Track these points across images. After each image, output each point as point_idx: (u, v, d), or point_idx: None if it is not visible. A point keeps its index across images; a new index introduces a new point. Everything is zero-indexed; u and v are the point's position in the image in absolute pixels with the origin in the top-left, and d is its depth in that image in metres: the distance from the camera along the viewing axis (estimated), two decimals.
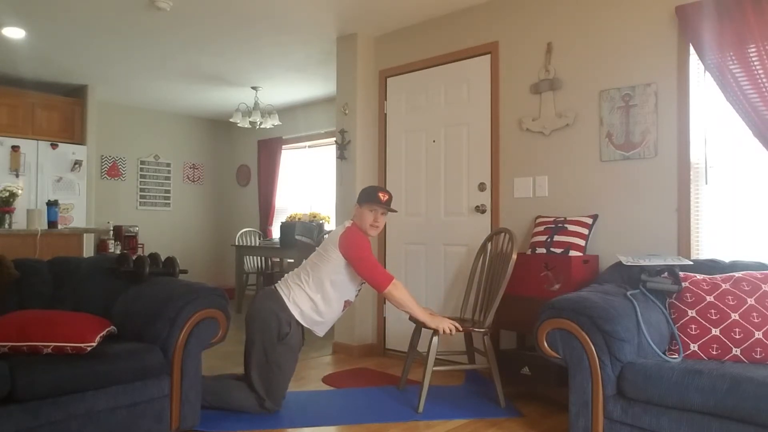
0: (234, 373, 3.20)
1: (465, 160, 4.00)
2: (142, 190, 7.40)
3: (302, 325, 2.99)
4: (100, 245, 6.47)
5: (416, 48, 4.31)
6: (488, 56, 3.88)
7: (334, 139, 4.71)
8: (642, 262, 2.65)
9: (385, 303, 4.40)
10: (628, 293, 2.55)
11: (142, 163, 7.41)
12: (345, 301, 3.07)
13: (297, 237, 5.66)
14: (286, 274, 3.12)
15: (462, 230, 4.00)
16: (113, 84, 6.19)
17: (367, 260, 2.96)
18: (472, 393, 3.36)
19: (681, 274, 2.57)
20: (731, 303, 2.39)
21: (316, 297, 2.96)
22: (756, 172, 2.91)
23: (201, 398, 2.80)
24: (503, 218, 3.76)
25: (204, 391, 2.81)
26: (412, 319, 3.14)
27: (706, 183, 3.02)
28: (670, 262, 2.63)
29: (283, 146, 7.33)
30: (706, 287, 2.49)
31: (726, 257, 2.81)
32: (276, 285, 3.05)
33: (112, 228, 6.71)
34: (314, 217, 6.53)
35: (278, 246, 5.94)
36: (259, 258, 6.75)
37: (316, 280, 2.98)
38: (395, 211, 3.29)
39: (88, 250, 5.83)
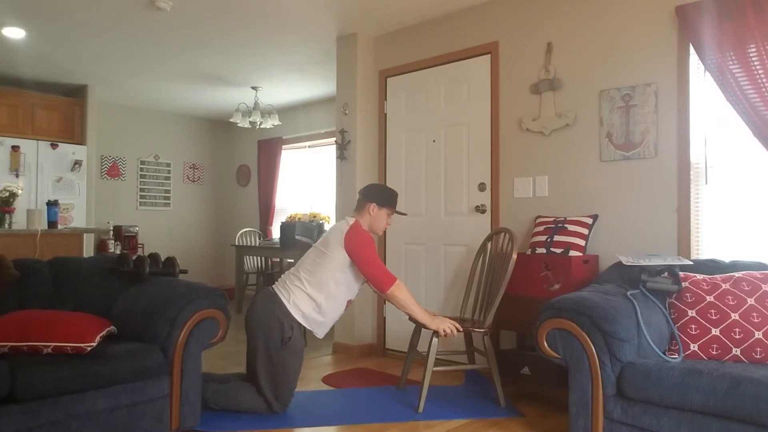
0: (238, 373, 3.17)
1: (465, 160, 4.00)
2: (142, 190, 7.40)
3: (304, 327, 2.97)
4: (100, 245, 6.47)
5: (416, 48, 4.31)
6: (488, 56, 3.88)
7: (334, 139, 4.71)
8: (642, 262, 2.65)
9: (385, 303, 4.40)
10: (628, 293, 2.55)
11: (142, 163, 7.41)
12: (347, 301, 3.06)
13: (297, 237, 5.65)
14: (282, 275, 3.07)
15: (462, 230, 4.00)
16: (113, 84, 6.19)
17: (372, 259, 2.93)
18: (472, 393, 3.36)
19: (681, 274, 2.57)
20: (731, 303, 2.39)
21: (318, 297, 2.92)
22: (756, 172, 2.91)
23: (208, 401, 2.81)
24: (503, 218, 3.76)
25: (213, 394, 2.82)
26: (412, 319, 3.13)
27: (706, 183, 3.02)
28: (670, 262, 2.63)
29: (283, 146, 7.33)
30: (706, 287, 2.49)
31: (726, 257, 2.81)
32: (274, 287, 2.99)
33: (112, 228, 6.71)
34: (314, 217, 6.53)
35: (278, 246, 5.94)
36: (259, 258, 6.75)
37: (318, 280, 2.92)
38: (405, 214, 3.44)
39: (88, 250, 5.84)
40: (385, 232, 4.44)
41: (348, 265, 2.95)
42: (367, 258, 2.92)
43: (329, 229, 3.14)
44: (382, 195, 3.11)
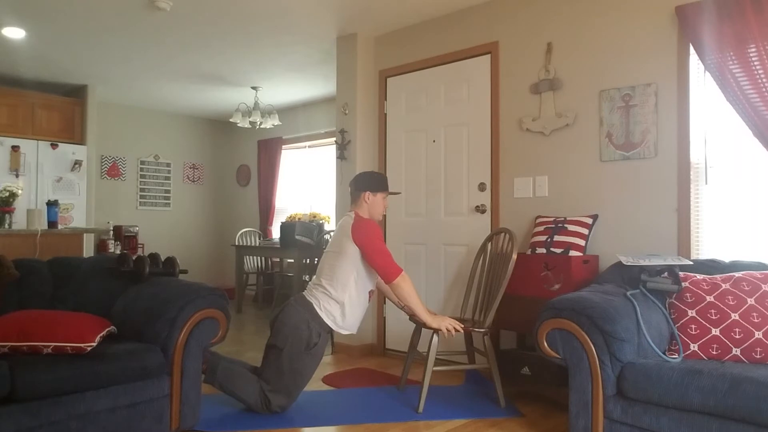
0: (249, 364, 3.14)
1: (465, 160, 4.00)
2: (142, 190, 7.40)
3: (330, 333, 2.96)
4: (100, 245, 6.47)
5: (416, 48, 4.31)
6: (488, 56, 3.88)
7: (334, 139, 4.71)
8: (642, 262, 2.65)
9: (385, 303, 4.40)
10: (628, 293, 2.55)
11: (142, 163, 7.41)
12: (369, 292, 3.07)
13: (297, 237, 5.66)
14: (309, 284, 3.09)
15: (462, 230, 4.00)
16: (113, 84, 6.19)
17: (380, 248, 2.96)
18: (472, 393, 3.36)
19: (681, 274, 2.57)
20: (731, 303, 2.39)
21: (344, 298, 2.95)
22: (756, 172, 2.91)
23: (217, 377, 2.82)
24: (503, 218, 3.76)
25: (220, 369, 2.83)
26: (412, 318, 3.13)
27: (706, 183, 3.02)
28: (670, 262, 2.63)
29: (283, 146, 7.33)
30: (706, 287, 2.49)
31: (726, 257, 2.81)
32: (305, 294, 3.02)
33: (112, 228, 6.71)
34: (314, 217, 6.54)
35: (278, 246, 5.94)
36: (259, 258, 6.76)
37: (340, 282, 2.95)
38: (399, 193, 3.55)
39: (88, 250, 5.84)
40: (385, 233, 4.45)
41: (360, 258, 2.97)
42: (375, 247, 2.95)
43: (334, 231, 3.16)
44: (372, 181, 3.14)
